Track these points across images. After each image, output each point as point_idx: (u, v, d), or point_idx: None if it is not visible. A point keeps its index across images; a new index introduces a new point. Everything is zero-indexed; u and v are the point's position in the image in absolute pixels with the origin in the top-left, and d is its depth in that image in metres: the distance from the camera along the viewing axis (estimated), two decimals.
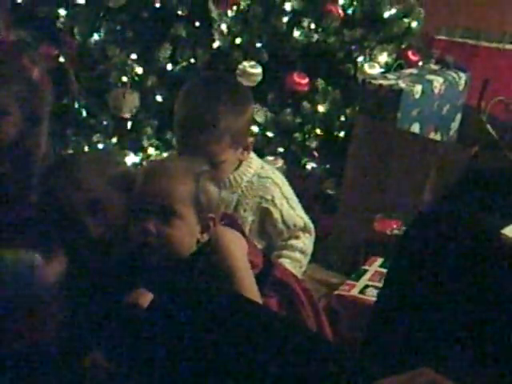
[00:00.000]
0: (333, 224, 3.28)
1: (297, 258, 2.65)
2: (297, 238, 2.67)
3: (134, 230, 2.04)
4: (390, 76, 3.37)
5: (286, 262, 2.60)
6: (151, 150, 3.26)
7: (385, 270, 2.70)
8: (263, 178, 2.62)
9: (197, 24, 3.32)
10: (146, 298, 1.94)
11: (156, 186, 2.05)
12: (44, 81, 2.69)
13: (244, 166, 2.61)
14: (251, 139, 2.61)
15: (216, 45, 3.29)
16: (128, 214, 2.08)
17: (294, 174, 3.15)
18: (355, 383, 1.62)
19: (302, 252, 2.67)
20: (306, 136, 3.37)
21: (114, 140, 3.28)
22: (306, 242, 2.69)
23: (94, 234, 2.07)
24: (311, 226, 2.71)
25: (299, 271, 2.63)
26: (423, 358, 1.79)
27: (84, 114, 3.33)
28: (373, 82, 3.21)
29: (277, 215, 2.62)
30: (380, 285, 2.60)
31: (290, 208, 2.65)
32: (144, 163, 3.17)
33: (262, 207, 2.62)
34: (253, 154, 2.67)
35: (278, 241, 2.68)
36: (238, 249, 2.16)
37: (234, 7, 3.25)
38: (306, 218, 2.70)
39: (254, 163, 2.64)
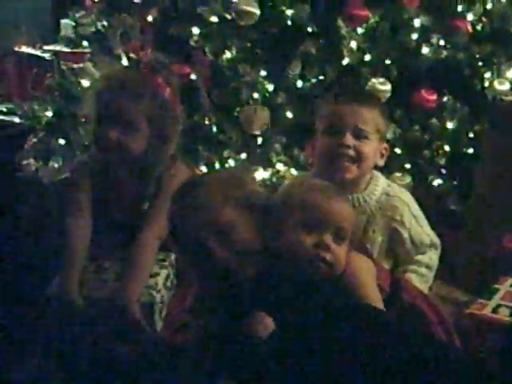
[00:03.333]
0: (460, 241, 3.25)
1: (422, 272, 2.65)
2: (423, 253, 2.68)
3: (308, 244, 2.09)
4: None
5: (411, 277, 2.60)
6: (279, 166, 3.29)
7: None
8: (391, 197, 2.63)
9: (326, 41, 3.34)
10: (266, 325, 1.97)
11: (334, 206, 2.14)
12: (175, 100, 2.76)
13: (372, 186, 2.63)
14: (387, 147, 2.66)
15: (345, 62, 3.30)
16: (295, 226, 2.12)
17: (419, 190, 3.13)
18: None
19: (428, 267, 2.67)
20: (435, 153, 3.35)
21: (244, 155, 3.33)
22: (433, 257, 2.69)
23: (220, 260, 2.10)
24: (437, 241, 2.71)
25: (425, 286, 2.63)
26: None
27: (214, 129, 3.38)
28: (504, 98, 3.18)
29: (406, 235, 2.63)
30: None
31: (417, 226, 2.66)
32: (274, 179, 3.21)
33: (391, 227, 2.63)
34: (379, 173, 2.69)
35: (405, 257, 2.68)
36: (368, 277, 2.19)
37: (364, 24, 3.26)
38: (433, 235, 2.70)
39: (380, 181, 2.66)
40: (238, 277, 2.10)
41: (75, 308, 2.48)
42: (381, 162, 2.64)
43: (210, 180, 2.27)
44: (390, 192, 2.65)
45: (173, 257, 2.74)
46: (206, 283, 2.26)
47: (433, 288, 2.75)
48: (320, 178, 2.49)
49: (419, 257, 2.67)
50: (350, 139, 2.52)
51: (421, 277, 2.64)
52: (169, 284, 2.69)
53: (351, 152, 2.52)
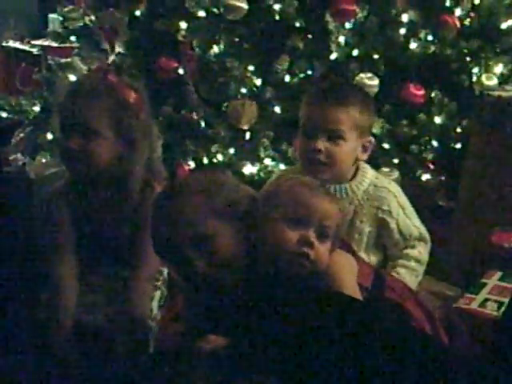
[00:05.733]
0: (448, 236, 3.25)
1: (412, 266, 2.64)
2: (412, 247, 2.67)
3: (292, 239, 2.06)
4: (508, 87, 3.33)
5: (401, 272, 2.59)
6: (267, 161, 3.29)
7: (504, 284, 2.70)
8: (379, 188, 2.63)
9: (314, 36, 3.34)
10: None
11: (320, 204, 2.10)
12: (142, 106, 2.62)
13: (360, 176, 2.63)
14: (371, 140, 2.64)
15: (333, 56, 3.31)
16: (279, 221, 2.08)
17: (407, 185, 3.14)
18: None
19: (418, 261, 2.66)
20: (422, 148, 3.36)
21: (232, 150, 3.32)
22: (422, 251, 2.68)
23: (201, 269, 2.06)
24: (427, 235, 2.70)
25: (415, 280, 2.62)
26: None
27: (202, 124, 3.38)
28: (491, 93, 3.18)
29: (393, 225, 2.63)
30: (500, 299, 2.59)
31: (406, 218, 2.65)
32: (262, 174, 3.21)
33: (378, 218, 2.62)
34: (367, 165, 2.69)
35: (394, 251, 2.68)
36: (348, 275, 2.15)
37: (351, 19, 3.26)
38: (422, 228, 2.70)
39: (368, 173, 2.66)
40: (220, 286, 2.07)
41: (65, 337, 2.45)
42: (364, 156, 2.62)
43: (189, 188, 2.15)
44: (377, 183, 2.64)
45: (165, 273, 2.65)
46: (189, 291, 2.25)
47: (421, 283, 2.75)
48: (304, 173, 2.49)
49: (409, 250, 2.66)
50: (321, 143, 2.49)
51: (411, 271, 2.63)
52: (162, 303, 2.63)
53: (322, 157, 2.49)
